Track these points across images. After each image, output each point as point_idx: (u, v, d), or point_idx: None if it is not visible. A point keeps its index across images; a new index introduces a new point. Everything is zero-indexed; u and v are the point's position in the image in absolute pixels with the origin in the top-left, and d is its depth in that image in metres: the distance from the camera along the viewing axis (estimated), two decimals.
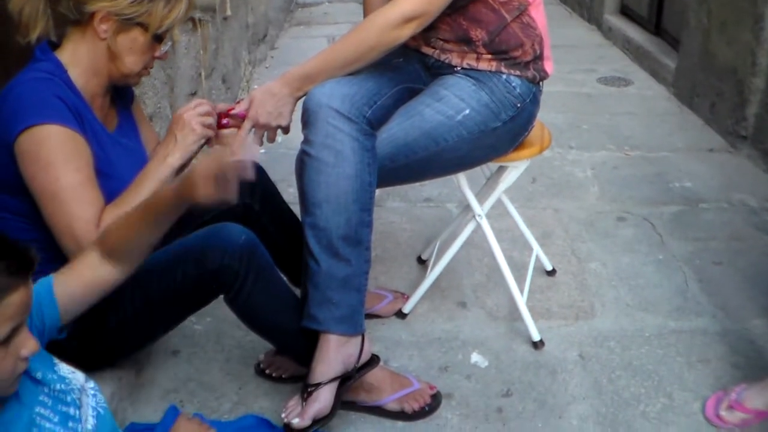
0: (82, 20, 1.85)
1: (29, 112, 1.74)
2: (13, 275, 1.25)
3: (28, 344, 1.32)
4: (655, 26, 5.70)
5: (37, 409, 1.42)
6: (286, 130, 2.15)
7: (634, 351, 2.53)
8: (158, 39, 1.93)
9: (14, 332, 1.28)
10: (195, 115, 2.00)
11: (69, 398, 1.50)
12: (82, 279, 1.61)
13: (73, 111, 1.81)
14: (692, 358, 2.50)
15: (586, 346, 2.56)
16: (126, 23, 1.86)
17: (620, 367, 2.45)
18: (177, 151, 1.95)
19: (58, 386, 1.49)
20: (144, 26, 1.88)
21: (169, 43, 1.98)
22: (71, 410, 1.49)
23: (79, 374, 1.54)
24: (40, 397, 1.44)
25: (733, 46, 4.14)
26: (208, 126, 2.03)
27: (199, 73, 3.78)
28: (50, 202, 1.75)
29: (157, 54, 1.98)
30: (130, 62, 1.92)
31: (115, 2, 1.82)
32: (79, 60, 1.88)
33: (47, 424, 1.42)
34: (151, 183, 1.89)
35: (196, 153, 2.03)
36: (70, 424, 1.47)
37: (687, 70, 4.79)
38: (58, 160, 1.74)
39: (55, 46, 1.90)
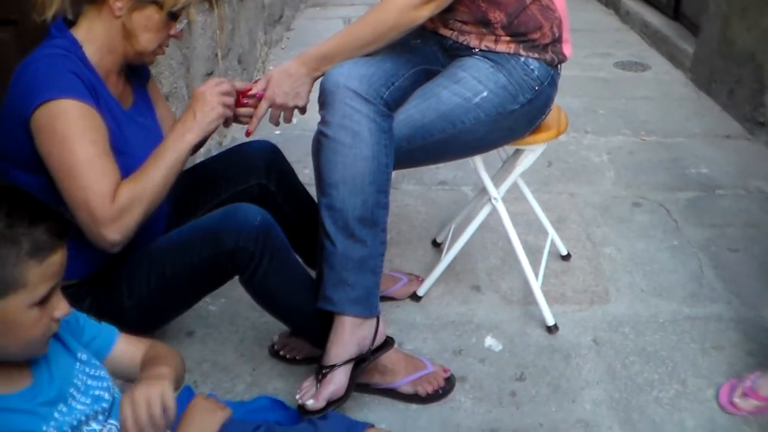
0: None
1: (45, 88, 1.74)
2: (54, 236, 1.30)
3: (61, 306, 1.36)
4: (674, 11, 5.67)
5: (70, 390, 1.43)
6: (303, 110, 2.15)
7: (648, 337, 2.52)
8: (173, 17, 1.92)
9: (51, 293, 1.33)
10: (216, 94, 1.98)
11: (105, 384, 1.52)
12: (135, 359, 1.64)
13: (88, 87, 1.80)
14: (706, 344, 2.49)
15: (600, 331, 2.55)
16: (141, 1, 1.85)
17: (634, 353, 2.45)
18: (196, 128, 1.93)
19: (96, 372, 1.51)
20: (159, 4, 1.87)
21: (185, 21, 1.98)
22: (106, 395, 1.51)
23: None
24: (75, 380, 1.45)
25: (753, 32, 4.11)
26: (228, 105, 2.02)
27: (216, 54, 3.78)
28: (66, 176, 1.75)
29: (172, 32, 1.97)
30: (145, 40, 1.91)
31: None
32: (95, 38, 1.87)
33: (78, 406, 1.43)
34: (167, 158, 1.88)
35: (213, 131, 2.02)
36: (103, 405, 1.49)
37: (705, 56, 4.75)
38: (73, 134, 1.74)
39: (71, 23, 1.90)
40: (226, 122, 2.07)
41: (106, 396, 1.51)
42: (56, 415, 1.38)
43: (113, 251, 1.81)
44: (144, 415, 1.38)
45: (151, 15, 1.88)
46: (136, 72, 2.10)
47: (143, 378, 1.50)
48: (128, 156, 1.88)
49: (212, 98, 1.97)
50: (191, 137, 1.93)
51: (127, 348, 1.64)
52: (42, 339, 1.36)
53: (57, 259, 1.31)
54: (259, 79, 2.12)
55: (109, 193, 1.76)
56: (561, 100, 2.43)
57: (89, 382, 1.48)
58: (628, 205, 3.39)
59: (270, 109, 2.11)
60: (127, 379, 1.63)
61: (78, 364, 1.49)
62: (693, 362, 2.41)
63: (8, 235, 1.25)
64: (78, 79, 1.78)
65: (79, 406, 1.42)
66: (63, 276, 1.36)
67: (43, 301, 1.31)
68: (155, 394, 1.40)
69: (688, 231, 3.16)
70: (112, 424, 1.50)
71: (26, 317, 1.30)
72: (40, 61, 1.79)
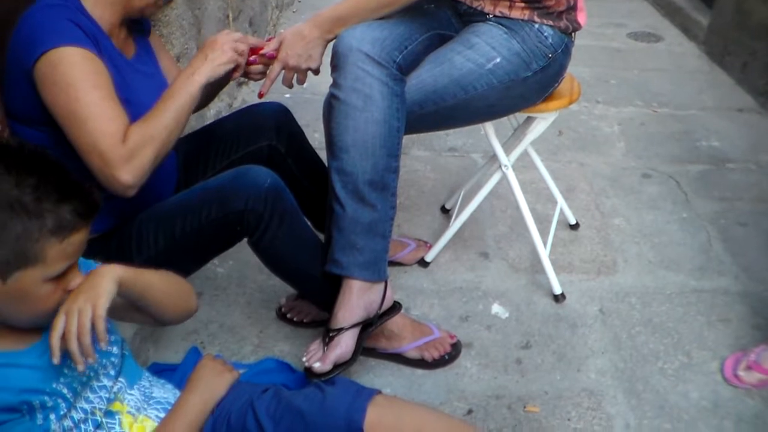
0: None
1: (44, 38, 1.73)
2: (79, 216, 1.30)
3: (76, 280, 1.36)
4: None
5: None
6: (316, 71, 2.14)
7: (654, 308, 2.53)
8: None
9: (68, 269, 1.33)
10: (230, 40, 1.97)
11: (113, 338, 1.53)
12: None
13: (89, 35, 1.79)
14: (712, 317, 2.49)
15: (607, 301, 2.56)
16: None
17: (640, 324, 2.45)
18: (205, 69, 1.91)
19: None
20: None
21: None
22: (114, 349, 1.52)
23: None
24: None
25: None
26: (241, 53, 2.00)
27: (227, 15, 3.76)
28: (73, 122, 1.73)
29: None
30: None
31: None
32: None
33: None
34: (177, 99, 1.86)
35: (222, 78, 2.00)
36: (112, 359, 1.50)
37: (720, 28, 4.71)
38: (76, 80, 1.72)
39: None
40: (235, 71, 2.04)
41: (115, 350, 1.52)
42: (65, 370, 1.39)
43: (127, 195, 1.78)
44: (73, 328, 1.31)
45: None
46: (138, 24, 2.08)
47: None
48: (134, 104, 1.86)
49: (224, 43, 1.95)
50: (199, 78, 1.90)
51: None
52: (52, 310, 1.36)
53: (78, 238, 1.31)
54: (272, 38, 2.11)
55: (118, 134, 1.74)
56: (573, 69, 2.41)
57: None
58: (637, 176, 3.38)
59: (283, 71, 2.10)
60: (134, 312, 1.62)
61: None
62: (699, 334, 2.41)
63: (33, 210, 1.24)
64: (77, 26, 1.77)
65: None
66: (81, 254, 1.36)
67: (59, 277, 1.32)
68: (87, 307, 1.32)
69: (698, 204, 3.16)
70: (121, 381, 1.51)
71: (40, 291, 1.30)
72: (38, 13, 1.77)
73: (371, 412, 1.54)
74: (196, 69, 1.91)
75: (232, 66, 1.98)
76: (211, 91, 2.02)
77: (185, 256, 2.05)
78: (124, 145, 1.73)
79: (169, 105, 1.85)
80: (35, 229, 1.25)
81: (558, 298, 2.54)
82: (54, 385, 1.35)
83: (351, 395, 1.59)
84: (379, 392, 1.61)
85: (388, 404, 1.61)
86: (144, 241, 1.98)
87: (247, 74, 2.09)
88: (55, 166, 1.32)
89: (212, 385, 1.64)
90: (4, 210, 1.23)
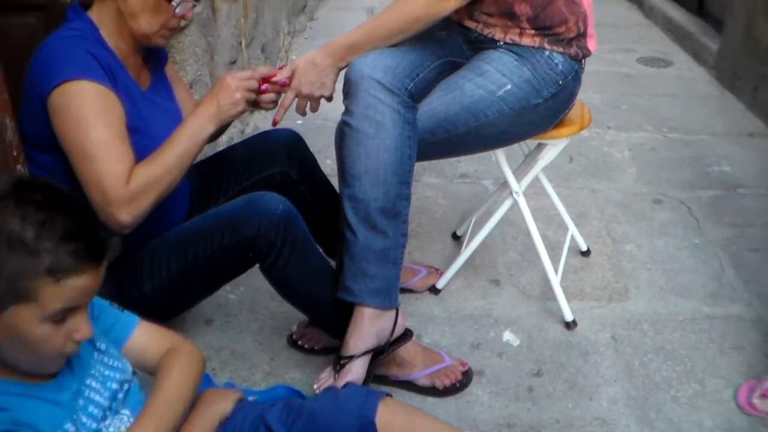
0: None
1: (62, 69, 1.76)
2: (80, 259, 1.26)
3: (82, 329, 1.32)
4: (698, 7, 5.64)
5: (87, 381, 1.43)
6: (329, 99, 2.15)
7: (666, 335, 2.51)
8: None
9: (70, 313, 1.29)
10: (243, 89, 1.98)
11: (119, 376, 1.52)
12: (149, 352, 1.61)
13: (105, 68, 1.82)
14: (725, 344, 2.47)
15: (619, 328, 2.54)
16: None
17: (652, 351, 2.44)
18: (216, 119, 1.94)
19: (113, 362, 1.51)
20: None
21: (188, 4, 1.96)
22: (124, 387, 1.51)
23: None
24: (92, 371, 1.44)
25: None
26: (250, 100, 2.02)
27: (240, 42, 3.78)
28: (81, 157, 1.76)
29: (177, 12, 1.95)
30: (145, 22, 1.91)
31: None
32: (105, 20, 1.90)
33: (96, 397, 1.43)
34: (184, 144, 1.88)
35: (232, 122, 2.03)
36: (120, 396, 1.49)
37: (729, 53, 4.72)
38: (88, 116, 1.75)
39: (88, 6, 1.91)
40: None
41: (125, 386, 1.50)
42: (77, 407, 1.38)
43: (123, 233, 1.79)
44: None
45: None
46: (154, 54, 2.10)
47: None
48: (147, 135, 1.89)
49: (238, 93, 1.97)
50: (210, 127, 1.94)
51: (143, 340, 1.61)
52: (55, 356, 1.34)
53: (79, 282, 1.27)
54: (284, 65, 2.12)
55: (123, 175, 1.77)
56: (583, 95, 2.41)
57: (106, 372, 1.47)
58: (648, 202, 3.37)
59: (296, 99, 2.11)
60: (141, 369, 1.62)
61: (96, 353, 1.48)
62: (712, 362, 2.39)
63: (31, 247, 1.22)
64: (95, 60, 1.80)
65: (97, 398, 1.42)
66: (90, 299, 1.34)
67: (60, 320, 1.28)
68: None
69: (709, 230, 3.14)
70: (124, 413, 1.50)
71: (35, 330, 1.27)
72: (57, 43, 1.81)
73: (383, 410, 1.55)
74: (208, 118, 1.93)
75: (242, 114, 2.00)
76: (222, 127, 2.04)
77: (197, 283, 2.06)
78: (127, 187, 1.77)
79: (176, 150, 1.87)
80: (29, 267, 1.22)
81: (569, 326, 2.53)
82: (66, 426, 1.34)
83: (363, 395, 1.60)
84: (389, 395, 1.62)
85: (399, 407, 1.62)
86: (156, 268, 1.99)
87: (259, 104, 2.10)
88: (70, 205, 1.30)
89: (219, 401, 1.64)
90: (3, 245, 1.21)
